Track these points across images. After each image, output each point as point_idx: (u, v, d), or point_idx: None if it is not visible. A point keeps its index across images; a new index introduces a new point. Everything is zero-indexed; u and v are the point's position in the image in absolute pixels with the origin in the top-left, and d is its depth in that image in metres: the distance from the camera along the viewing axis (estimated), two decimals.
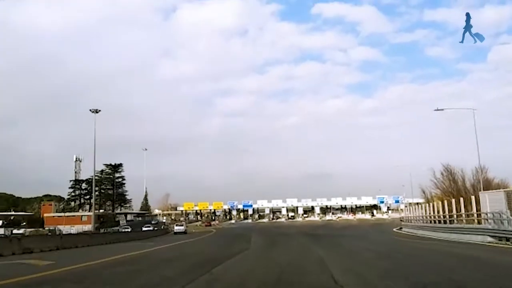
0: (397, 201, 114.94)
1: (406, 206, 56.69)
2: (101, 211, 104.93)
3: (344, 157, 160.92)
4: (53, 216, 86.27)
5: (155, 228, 64.50)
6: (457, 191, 37.60)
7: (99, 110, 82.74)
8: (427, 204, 37.53)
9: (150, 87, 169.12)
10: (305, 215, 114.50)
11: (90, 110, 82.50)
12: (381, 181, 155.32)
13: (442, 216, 31.79)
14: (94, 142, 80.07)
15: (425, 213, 37.02)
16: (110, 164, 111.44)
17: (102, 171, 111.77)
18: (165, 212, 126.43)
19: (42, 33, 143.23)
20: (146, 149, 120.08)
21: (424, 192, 45.93)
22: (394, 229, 46.02)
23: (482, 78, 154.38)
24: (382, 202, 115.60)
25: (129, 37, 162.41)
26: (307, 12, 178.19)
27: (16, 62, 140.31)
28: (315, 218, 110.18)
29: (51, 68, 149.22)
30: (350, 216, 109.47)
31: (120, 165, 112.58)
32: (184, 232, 53.06)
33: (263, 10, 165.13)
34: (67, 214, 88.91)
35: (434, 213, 34.21)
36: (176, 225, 59.57)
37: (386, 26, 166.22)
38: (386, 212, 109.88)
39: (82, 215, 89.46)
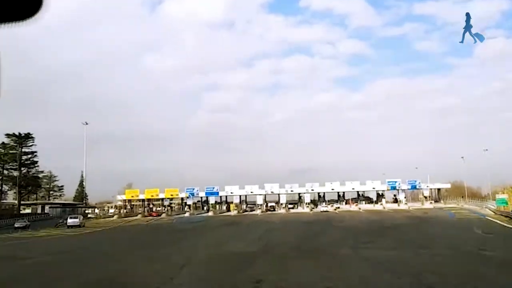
0: (413, 187, 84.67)
1: None
2: None
3: (334, 151, 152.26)
4: None
5: None
6: None
7: None
8: None
9: (135, 79, 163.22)
10: (290, 206, 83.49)
11: None
12: (380, 169, 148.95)
13: None
14: None
15: None
16: (14, 134, 78.17)
17: (3, 144, 78.83)
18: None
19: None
20: (86, 123, 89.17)
21: None
22: None
23: (469, 73, 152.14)
24: (393, 187, 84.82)
25: (113, 29, 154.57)
26: (296, 4, 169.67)
27: None
28: (303, 209, 79.30)
29: (27, 57, 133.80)
30: (353, 207, 78.66)
31: (29, 136, 79.38)
32: (79, 226, 48.82)
33: (251, 2, 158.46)
34: None
35: None
36: (70, 218, 52.58)
37: (375, 19, 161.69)
38: (403, 201, 78.95)
39: None
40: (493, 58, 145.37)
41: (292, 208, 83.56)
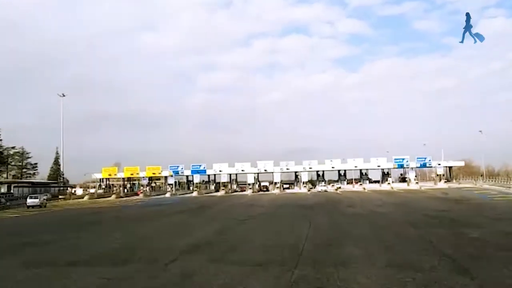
0: (423, 165, 75.92)
1: None
2: None
3: (334, 131, 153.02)
4: None
5: None
6: None
7: None
8: None
9: (131, 59, 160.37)
10: (285, 186, 74.84)
11: None
12: (383, 148, 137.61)
13: None
14: None
15: None
16: None
17: None
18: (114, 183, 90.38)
19: None
20: (63, 95, 79.95)
21: None
22: None
23: (467, 53, 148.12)
24: (401, 165, 76.06)
25: (109, 6, 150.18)
26: None
27: None
28: (300, 189, 70.65)
29: (24, 34, 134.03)
30: (356, 186, 69.98)
31: None
32: (39, 206, 46.01)
33: None
34: None
35: None
36: (29, 198, 48.94)
37: None
38: (413, 180, 70.02)
39: None
40: (493, 38, 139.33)
41: (288, 188, 75.14)
